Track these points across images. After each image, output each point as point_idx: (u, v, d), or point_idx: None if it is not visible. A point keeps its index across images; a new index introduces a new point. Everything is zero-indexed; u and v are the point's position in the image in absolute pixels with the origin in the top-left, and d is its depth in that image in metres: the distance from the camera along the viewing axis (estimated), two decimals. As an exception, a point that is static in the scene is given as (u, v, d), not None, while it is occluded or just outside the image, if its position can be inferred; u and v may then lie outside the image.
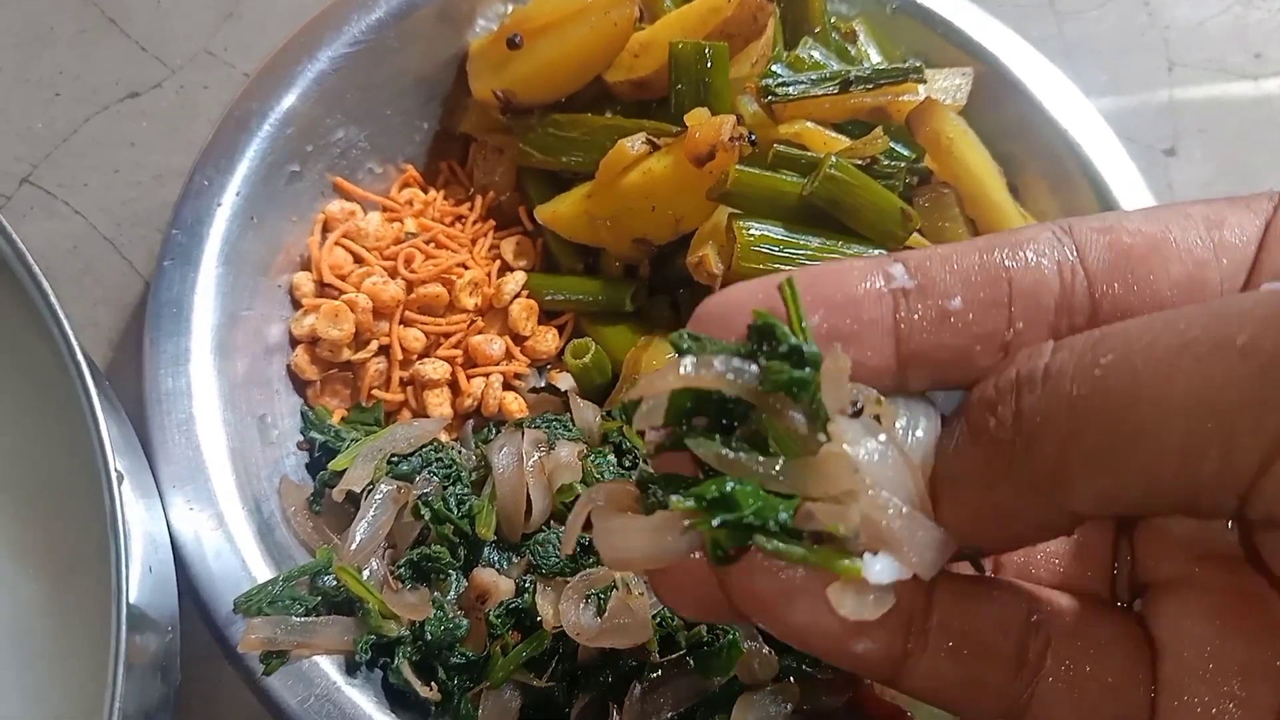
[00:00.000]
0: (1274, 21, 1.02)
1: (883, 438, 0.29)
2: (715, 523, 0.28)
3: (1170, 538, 0.34)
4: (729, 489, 0.28)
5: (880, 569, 0.29)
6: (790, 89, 0.74)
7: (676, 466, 0.31)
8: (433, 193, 0.81)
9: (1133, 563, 0.35)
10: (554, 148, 0.76)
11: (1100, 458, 0.26)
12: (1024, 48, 0.85)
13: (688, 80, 0.73)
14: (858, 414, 0.29)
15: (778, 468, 0.29)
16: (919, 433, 0.31)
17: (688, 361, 0.30)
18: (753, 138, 0.71)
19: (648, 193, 0.70)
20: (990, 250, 0.31)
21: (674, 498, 0.29)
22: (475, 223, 0.80)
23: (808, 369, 0.29)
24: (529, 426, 0.68)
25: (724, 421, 0.30)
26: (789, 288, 0.30)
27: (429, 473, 0.66)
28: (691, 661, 0.64)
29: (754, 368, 0.29)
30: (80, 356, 0.53)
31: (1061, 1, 1.01)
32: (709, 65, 0.72)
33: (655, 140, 0.71)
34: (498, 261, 0.79)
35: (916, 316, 0.30)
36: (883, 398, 0.30)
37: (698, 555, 0.30)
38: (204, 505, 0.62)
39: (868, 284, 0.31)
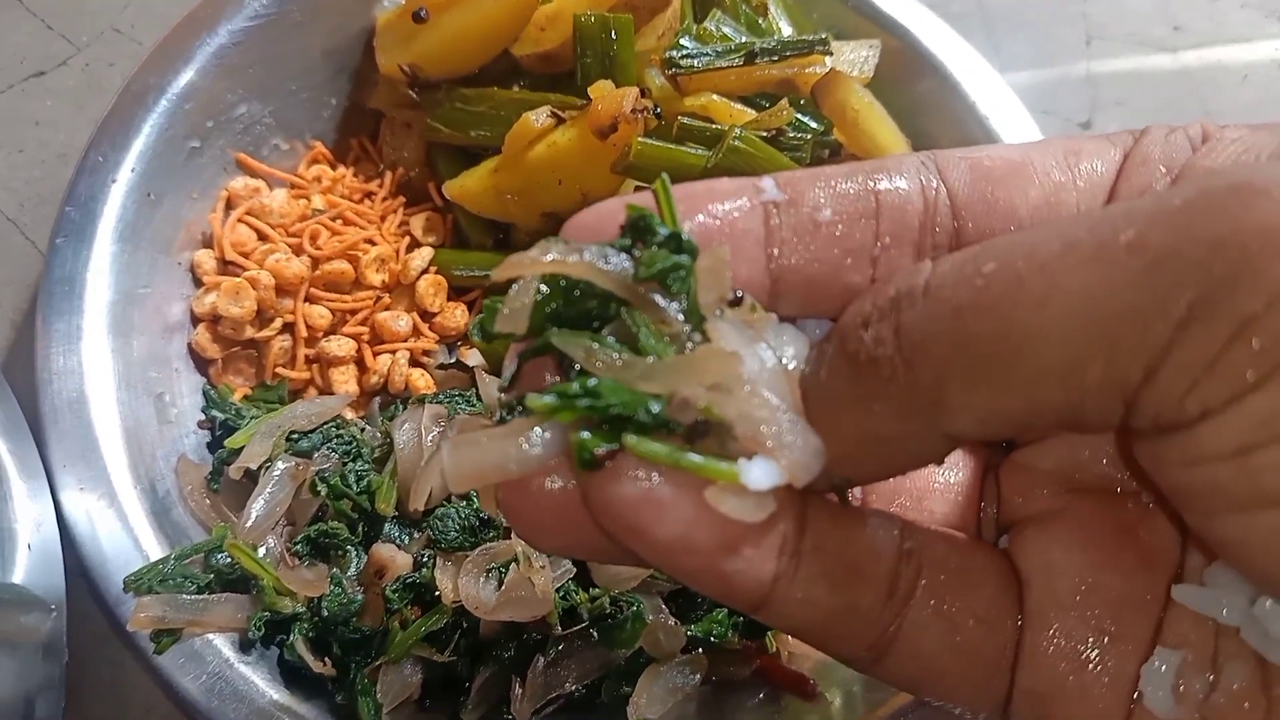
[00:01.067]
0: None
1: (763, 345, 0.28)
2: (580, 408, 0.26)
3: (1038, 473, 0.34)
4: (594, 384, 0.26)
5: (759, 474, 0.27)
6: (695, 61, 0.74)
7: (537, 383, 0.28)
8: (342, 169, 0.80)
9: (1000, 502, 0.35)
10: (462, 122, 0.76)
11: (982, 372, 0.25)
12: (937, 23, 0.85)
13: (593, 53, 0.73)
14: (737, 303, 0.29)
15: (651, 363, 0.27)
16: (788, 358, 0.29)
17: (556, 248, 0.27)
18: (657, 110, 0.71)
19: (554, 166, 0.70)
20: (858, 171, 0.31)
21: (532, 396, 0.26)
22: (385, 199, 0.79)
23: (685, 255, 0.28)
24: (431, 402, 0.68)
25: (594, 326, 0.28)
26: (662, 187, 0.29)
27: (328, 449, 0.65)
28: (595, 634, 0.64)
29: (627, 260, 0.28)
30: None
31: None
32: (613, 38, 0.72)
33: (560, 113, 0.71)
34: (407, 238, 0.78)
35: (787, 228, 0.30)
36: (758, 304, 0.29)
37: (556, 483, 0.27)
38: (95, 485, 0.61)
39: (739, 198, 0.30)
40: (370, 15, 0.80)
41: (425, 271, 0.76)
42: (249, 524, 0.62)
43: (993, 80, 0.84)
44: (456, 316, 0.76)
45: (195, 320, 0.72)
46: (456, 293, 0.78)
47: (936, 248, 0.31)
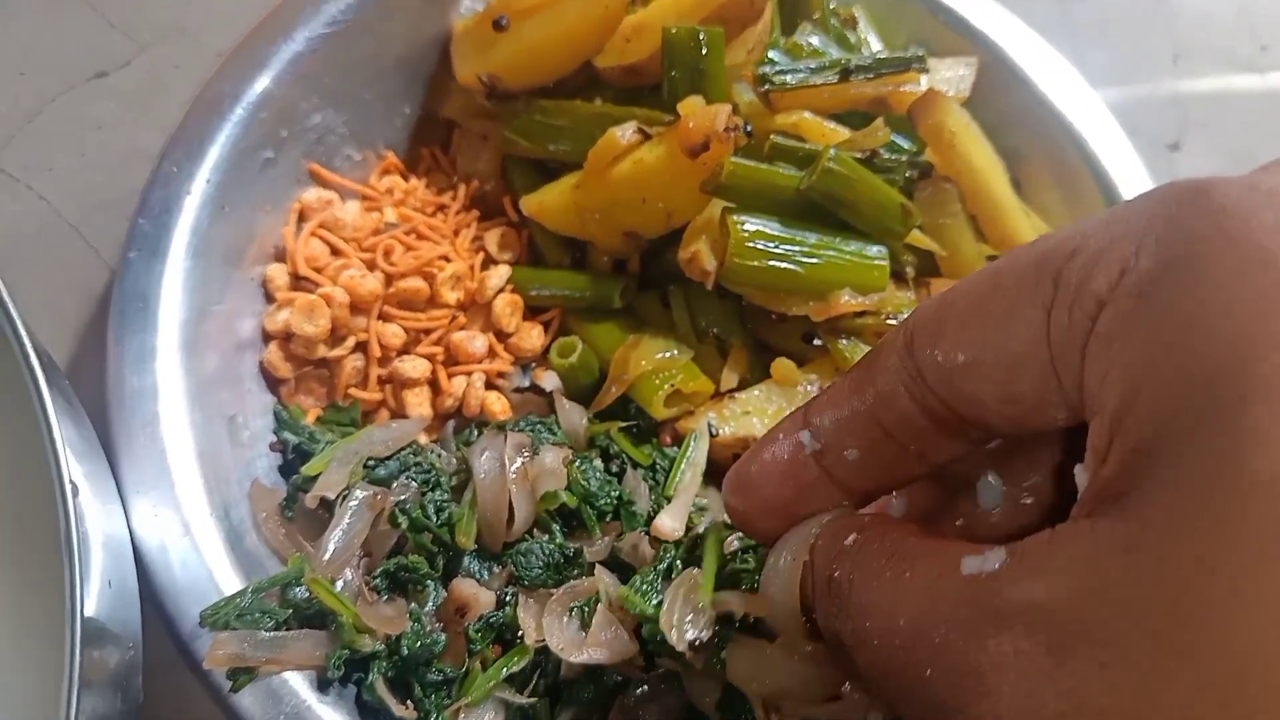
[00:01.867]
0: (1277, 6, 0.99)
1: None
2: None
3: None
4: None
5: None
6: (788, 78, 0.71)
7: None
8: (414, 180, 0.77)
9: None
10: (540, 135, 0.73)
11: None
12: (1029, 35, 0.82)
13: (681, 67, 0.70)
14: None
15: None
16: None
17: None
18: (749, 128, 0.68)
19: (638, 184, 0.67)
20: (859, 395, 0.39)
21: None
22: (458, 213, 0.77)
23: None
24: (512, 430, 0.65)
25: None
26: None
27: (407, 478, 0.63)
28: (681, 675, 0.62)
29: None
30: (34, 358, 0.50)
31: None
32: (704, 52, 0.69)
33: (647, 129, 0.68)
34: (481, 254, 0.75)
35: (831, 465, 0.40)
36: None
37: None
38: (169, 511, 0.59)
39: (796, 462, 0.41)
40: (446, 21, 0.78)
41: (502, 290, 0.73)
42: (326, 556, 0.59)
43: (1087, 97, 0.81)
44: (533, 337, 0.74)
45: (267, 337, 0.70)
46: (532, 312, 0.76)
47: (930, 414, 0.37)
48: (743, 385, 0.72)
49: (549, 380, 0.72)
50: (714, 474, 0.71)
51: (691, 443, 0.68)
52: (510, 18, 0.73)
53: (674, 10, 0.71)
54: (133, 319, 0.63)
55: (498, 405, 0.71)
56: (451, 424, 0.72)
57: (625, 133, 0.67)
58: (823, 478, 0.40)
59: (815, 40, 0.75)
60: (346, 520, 0.60)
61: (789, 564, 0.42)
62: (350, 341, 0.70)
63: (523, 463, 0.63)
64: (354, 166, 0.77)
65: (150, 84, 0.82)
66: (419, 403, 0.70)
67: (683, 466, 0.67)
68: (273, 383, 0.70)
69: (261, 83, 0.70)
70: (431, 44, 0.78)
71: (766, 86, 0.71)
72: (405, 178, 0.78)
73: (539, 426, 0.67)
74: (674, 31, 0.69)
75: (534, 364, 0.75)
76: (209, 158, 0.67)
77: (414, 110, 0.79)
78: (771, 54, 0.73)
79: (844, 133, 0.72)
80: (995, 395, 0.34)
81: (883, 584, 0.35)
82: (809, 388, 0.72)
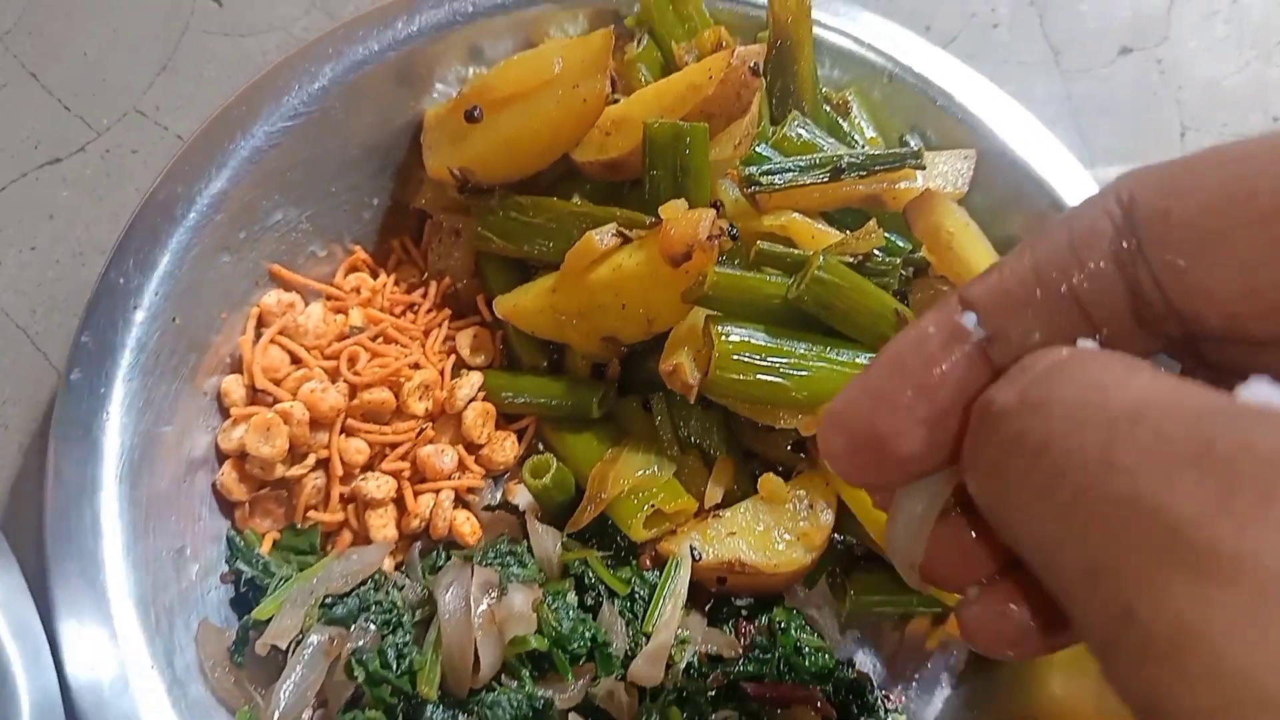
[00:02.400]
0: None
1: None
2: None
3: None
4: None
5: None
6: (776, 179, 0.67)
7: None
8: (383, 277, 0.73)
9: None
10: (516, 234, 0.69)
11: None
12: (1026, 118, 0.78)
13: (663, 165, 0.66)
14: None
15: None
16: None
17: None
18: (734, 232, 0.64)
19: (617, 290, 0.63)
20: (1055, 265, 0.31)
21: None
22: (429, 311, 0.73)
23: None
24: (479, 563, 0.61)
25: None
26: None
27: (366, 619, 0.59)
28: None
29: None
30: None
31: (1068, 58, 0.94)
32: (687, 150, 0.65)
33: (627, 233, 0.64)
34: (452, 356, 0.71)
35: (1002, 357, 0.31)
36: None
37: None
38: (107, 664, 0.55)
39: (951, 352, 0.31)
40: (417, 107, 0.74)
41: (473, 399, 0.69)
42: (277, 713, 0.55)
43: (1086, 181, 0.77)
44: (506, 449, 0.70)
45: (221, 456, 0.66)
46: (506, 419, 0.72)
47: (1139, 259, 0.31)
48: (728, 499, 0.68)
49: (522, 496, 0.68)
50: (695, 596, 0.67)
51: (673, 571, 0.64)
52: (484, 108, 0.69)
53: (656, 103, 0.67)
54: (73, 448, 0.59)
55: (466, 526, 0.67)
56: (418, 546, 0.67)
57: (604, 236, 0.63)
58: (991, 375, 0.31)
59: (805, 132, 0.71)
60: (299, 670, 0.56)
61: (920, 515, 0.34)
62: (310, 459, 0.66)
63: (489, 604, 0.59)
64: (318, 263, 0.72)
65: (106, 171, 0.78)
66: (383, 524, 0.66)
67: (663, 598, 0.63)
68: (226, 506, 0.65)
69: (217, 183, 0.65)
70: (402, 131, 0.74)
71: (753, 188, 0.67)
72: (374, 274, 0.74)
73: (509, 558, 0.63)
74: (655, 127, 0.65)
75: (506, 474, 0.71)
76: (159, 267, 0.63)
77: (382, 200, 0.75)
78: (759, 148, 0.69)
79: (834, 235, 0.67)
80: (1238, 288, 0.29)
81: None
82: (799, 504, 0.68)
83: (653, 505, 0.66)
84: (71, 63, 0.82)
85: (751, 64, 0.64)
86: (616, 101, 0.70)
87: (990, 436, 0.29)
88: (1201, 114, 0.93)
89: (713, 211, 0.63)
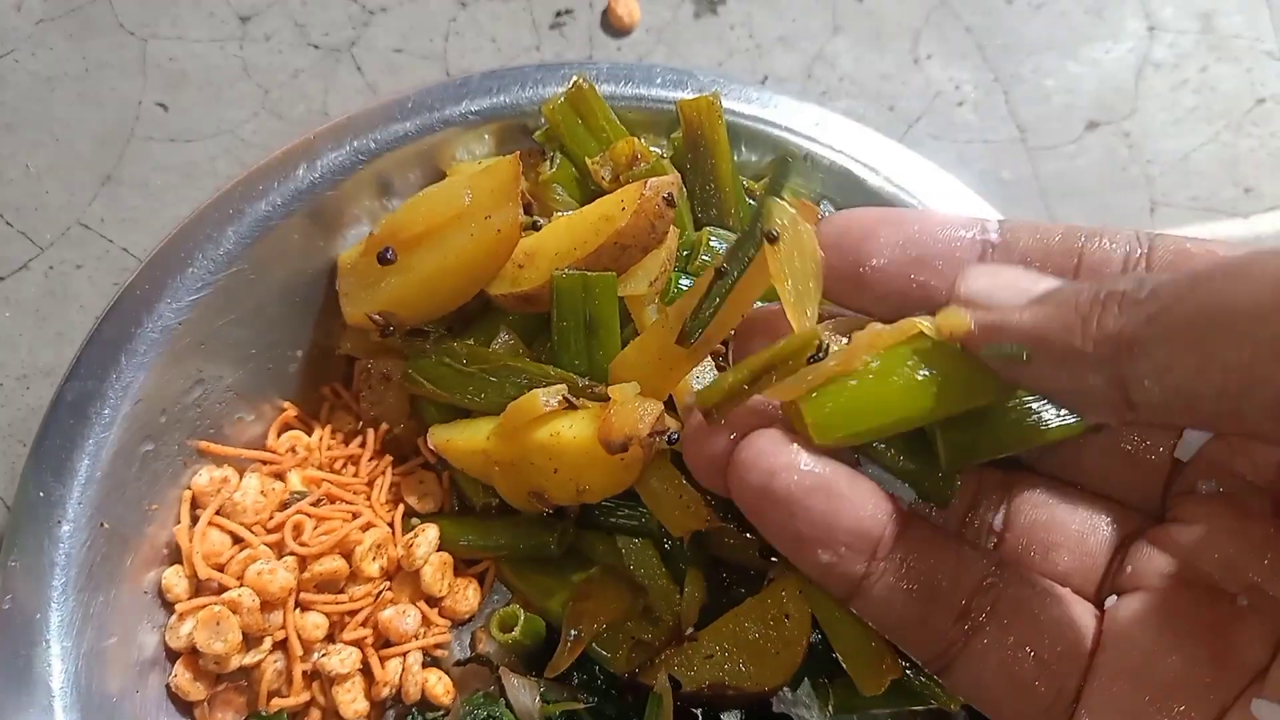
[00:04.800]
0: (1265, 149, 0.94)
1: None
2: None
3: (1160, 554, 0.37)
4: None
5: None
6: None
7: None
8: (318, 432, 0.70)
9: (1119, 569, 0.39)
10: (447, 381, 0.67)
11: (1177, 328, 0.30)
12: (958, 187, 0.77)
13: (572, 317, 0.63)
14: None
15: None
16: None
17: None
18: (673, 438, 0.60)
19: (551, 455, 0.60)
20: (1073, 233, 0.37)
21: None
22: (370, 460, 0.70)
23: None
24: (459, 734, 0.59)
25: None
26: None
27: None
28: None
29: None
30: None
31: (1034, 136, 0.92)
32: (596, 300, 0.63)
33: (573, 401, 0.61)
34: (400, 506, 0.69)
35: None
36: None
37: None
38: None
39: (967, 232, 0.38)
40: (331, 252, 0.71)
41: (430, 555, 0.66)
42: None
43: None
44: (468, 597, 0.68)
45: (170, 654, 0.63)
46: (464, 563, 0.69)
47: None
48: (704, 615, 0.67)
49: (489, 643, 0.66)
50: (679, 717, 0.65)
51: (655, 708, 0.63)
52: (396, 249, 0.66)
53: (569, 236, 0.65)
54: (14, 683, 0.55)
55: (439, 687, 0.65)
56: (392, 715, 0.65)
57: (550, 399, 0.61)
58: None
59: (721, 246, 0.69)
60: None
61: None
62: (267, 643, 0.63)
63: (476, 778, 0.57)
64: (248, 427, 0.69)
65: (50, 289, 0.76)
66: (352, 699, 0.63)
67: (650, 739, 0.62)
68: (184, 705, 0.62)
69: (129, 372, 0.62)
70: (318, 276, 0.71)
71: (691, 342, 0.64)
72: (308, 429, 0.71)
73: (488, 716, 0.61)
74: (563, 278, 0.63)
75: (472, 619, 0.69)
76: (78, 474, 0.60)
77: (307, 351, 0.72)
78: (681, 281, 0.67)
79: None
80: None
81: None
82: (773, 614, 0.66)
83: (633, 637, 0.65)
84: (14, 176, 0.80)
85: (665, 194, 0.62)
86: (536, 225, 0.68)
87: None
88: (1172, 188, 0.92)
89: (659, 407, 0.60)
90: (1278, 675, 0.34)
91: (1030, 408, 0.38)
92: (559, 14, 0.90)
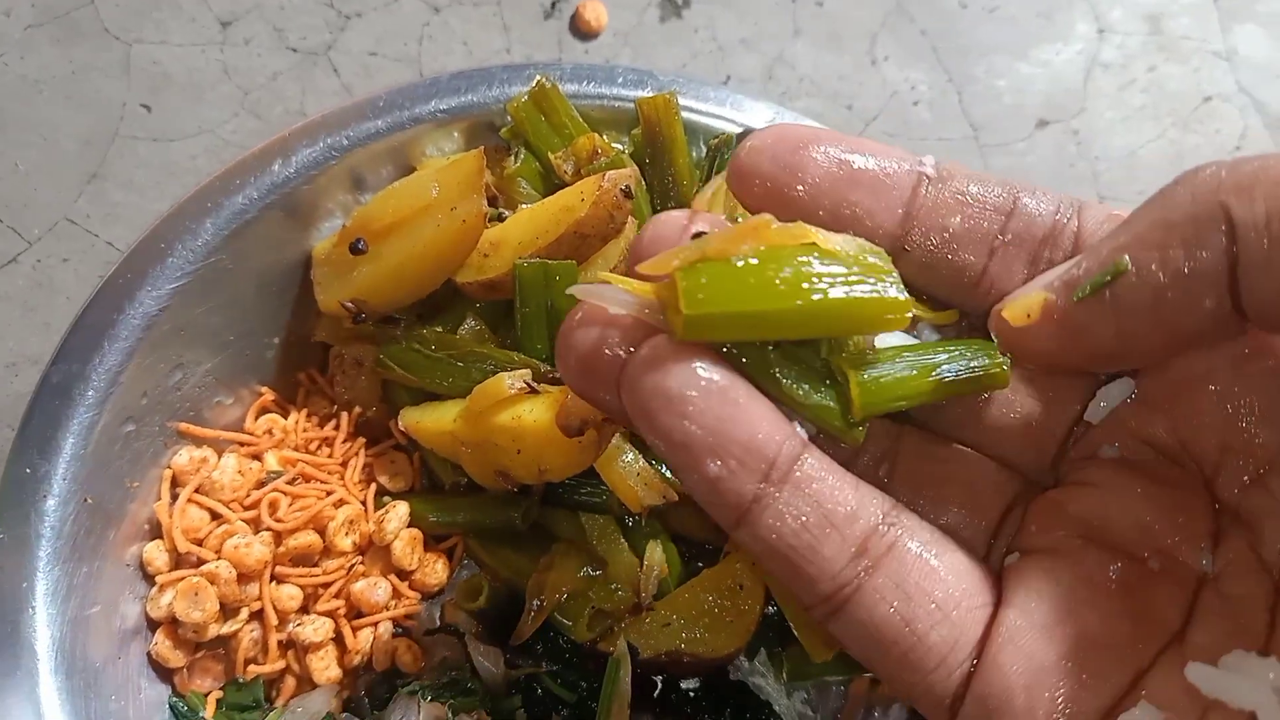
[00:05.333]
0: (1211, 145, 0.98)
1: None
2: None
3: (1063, 514, 0.37)
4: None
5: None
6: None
7: None
8: (294, 415, 0.74)
9: (1019, 529, 0.38)
10: (417, 366, 0.70)
11: None
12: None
13: (534, 303, 0.67)
14: None
15: None
16: None
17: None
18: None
19: (515, 436, 0.64)
20: (1009, 183, 0.37)
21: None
22: (344, 442, 0.73)
23: None
24: (425, 698, 0.62)
25: None
26: None
27: (318, 776, 0.60)
28: None
29: None
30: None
31: (987, 134, 0.96)
32: (556, 287, 0.66)
33: (534, 385, 0.64)
34: (373, 485, 0.72)
35: (930, 199, 0.36)
36: None
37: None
38: None
39: (902, 162, 0.37)
40: (306, 243, 0.74)
41: (400, 530, 0.70)
42: None
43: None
44: (437, 570, 0.71)
45: (152, 624, 0.66)
46: (433, 538, 0.73)
47: (1050, 263, 0.36)
48: (662, 589, 0.70)
49: (459, 616, 0.69)
50: (643, 688, 0.69)
51: (614, 672, 0.66)
52: (367, 240, 0.70)
53: (531, 226, 0.68)
54: (3, 649, 0.59)
55: (408, 655, 0.68)
56: (363, 682, 0.68)
57: (514, 382, 0.64)
58: (903, 201, 0.37)
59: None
60: (258, 840, 0.57)
61: None
62: (244, 613, 0.66)
63: (443, 739, 0.60)
64: (226, 410, 0.73)
65: (38, 281, 0.79)
66: (325, 665, 0.67)
67: (609, 700, 0.65)
68: (165, 671, 0.66)
69: (112, 357, 0.65)
70: (293, 267, 0.74)
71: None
72: (284, 412, 0.74)
73: (454, 687, 0.64)
74: (525, 266, 0.66)
75: (442, 592, 0.72)
76: (64, 451, 0.63)
77: (283, 338, 0.75)
78: None
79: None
80: None
81: None
82: (729, 586, 0.70)
83: (593, 606, 0.68)
84: (3, 175, 0.83)
85: (623, 186, 0.65)
86: (501, 217, 0.72)
87: None
88: (1119, 183, 0.96)
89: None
90: (1198, 639, 0.33)
91: (938, 359, 0.36)
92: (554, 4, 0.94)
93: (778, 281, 0.32)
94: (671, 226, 0.35)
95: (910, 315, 0.34)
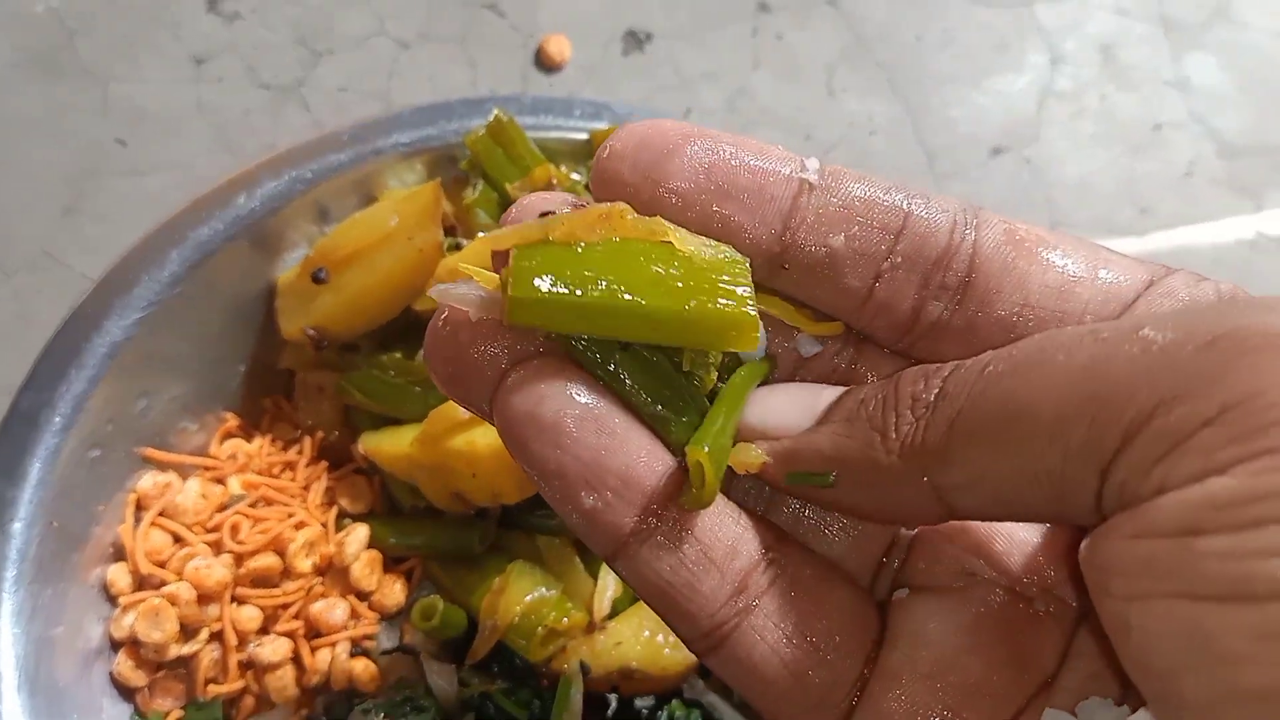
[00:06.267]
0: (1162, 173, 1.00)
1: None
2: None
3: (948, 549, 0.35)
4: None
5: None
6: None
7: None
8: (258, 440, 0.76)
9: (904, 562, 0.36)
10: (377, 392, 0.72)
11: (984, 429, 0.28)
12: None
13: None
14: None
15: None
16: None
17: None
18: None
19: (469, 460, 0.66)
20: (901, 190, 0.33)
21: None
22: (307, 465, 0.75)
23: None
24: (379, 717, 0.64)
25: None
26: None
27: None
28: None
29: None
30: None
31: (942, 162, 0.99)
32: None
33: None
34: (334, 508, 0.74)
35: (812, 211, 0.32)
36: None
37: None
38: None
39: (784, 166, 0.32)
40: (271, 273, 0.77)
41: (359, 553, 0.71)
42: None
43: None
44: (395, 591, 0.73)
45: (114, 644, 0.67)
46: (393, 561, 0.74)
47: (942, 288, 0.33)
48: (616, 608, 0.72)
49: (416, 637, 0.71)
50: (596, 708, 0.70)
51: (566, 690, 0.67)
52: (329, 269, 0.72)
53: (486, 255, 0.70)
54: (-37, 669, 0.60)
55: (366, 675, 0.70)
56: (321, 701, 0.70)
57: (465, 409, 0.66)
58: (782, 214, 0.32)
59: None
60: None
61: None
62: (204, 634, 0.68)
63: (393, 754, 0.61)
64: (192, 436, 0.75)
65: (14, 314, 0.81)
66: (283, 685, 0.68)
67: (561, 718, 0.66)
68: (127, 691, 0.67)
69: (78, 385, 0.68)
70: (259, 296, 0.77)
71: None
72: (249, 437, 0.76)
73: (407, 705, 0.66)
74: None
75: (400, 614, 0.74)
76: (30, 476, 0.65)
77: (248, 365, 0.77)
78: None
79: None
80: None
81: None
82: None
83: (545, 626, 0.70)
84: None
85: (568, 215, 0.68)
86: (459, 246, 0.74)
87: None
88: (1072, 209, 0.98)
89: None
90: (1066, 681, 0.32)
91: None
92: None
93: (615, 276, 0.29)
94: (533, 207, 0.33)
95: (760, 337, 0.31)
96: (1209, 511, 0.23)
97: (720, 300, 0.30)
